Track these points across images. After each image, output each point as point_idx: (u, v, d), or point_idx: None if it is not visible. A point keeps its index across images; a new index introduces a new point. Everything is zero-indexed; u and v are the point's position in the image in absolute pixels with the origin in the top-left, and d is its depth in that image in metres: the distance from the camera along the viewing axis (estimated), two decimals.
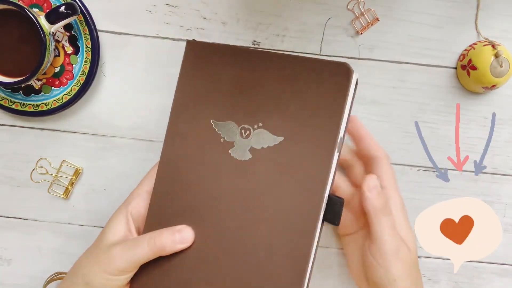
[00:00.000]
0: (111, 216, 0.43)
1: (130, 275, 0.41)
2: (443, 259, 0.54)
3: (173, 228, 0.41)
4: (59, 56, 0.49)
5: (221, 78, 0.42)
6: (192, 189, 0.42)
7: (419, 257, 0.53)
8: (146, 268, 0.42)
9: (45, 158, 0.52)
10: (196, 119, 0.42)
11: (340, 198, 0.40)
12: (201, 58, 0.42)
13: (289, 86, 0.40)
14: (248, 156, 0.41)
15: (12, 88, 0.49)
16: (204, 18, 0.50)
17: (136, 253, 0.40)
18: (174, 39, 0.50)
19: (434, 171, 0.52)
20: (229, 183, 0.41)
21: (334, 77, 0.38)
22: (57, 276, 0.52)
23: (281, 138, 0.40)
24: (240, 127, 0.41)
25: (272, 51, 0.41)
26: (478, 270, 0.54)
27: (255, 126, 0.41)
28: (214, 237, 0.41)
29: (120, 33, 0.50)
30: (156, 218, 0.43)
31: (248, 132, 0.41)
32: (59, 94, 0.49)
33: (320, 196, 0.39)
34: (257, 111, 0.41)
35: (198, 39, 0.50)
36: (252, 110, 0.41)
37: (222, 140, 0.41)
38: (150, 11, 0.50)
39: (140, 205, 0.43)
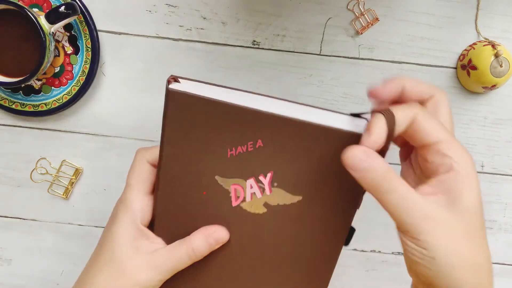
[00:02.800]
0: (115, 232, 0.39)
1: (159, 285, 0.39)
2: None
3: (205, 232, 0.39)
4: (59, 56, 0.49)
5: (218, 134, 0.37)
6: None
7: None
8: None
9: (45, 158, 0.52)
10: (194, 172, 0.39)
11: (353, 228, 0.40)
12: (189, 109, 0.37)
13: (303, 150, 0.37)
14: (263, 210, 0.39)
15: (12, 88, 0.49)
16: (204, 18, 0.50)
17: (173, 261, 0.38)
18: (174, 39, 0.50)
19: None
20: (243, 233, 0.40)
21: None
22: None
23: (299, 197, 0.39)
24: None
25: (282, 113, 0.36)
26: None
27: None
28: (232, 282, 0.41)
29: (120, 33, 0.50)
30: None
31: (261, 189, 0.39)
32: (59, 94, 0.49)
33: (339, 247, 0.40)
34: (269, 172, 0.38)
35: (198, 39, 0.50)
36: (263, 170, 0.38)
37: (230, 195, 0.39)
38: (150, 11, 0.50)
39: (147, 212, 0.40)
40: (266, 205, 0.39)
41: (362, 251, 0.53)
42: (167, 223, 0.40)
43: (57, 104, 0.49)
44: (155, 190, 0.40)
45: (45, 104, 0.49)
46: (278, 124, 0.36)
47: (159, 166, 0.39)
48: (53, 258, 0.53)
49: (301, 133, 0.36)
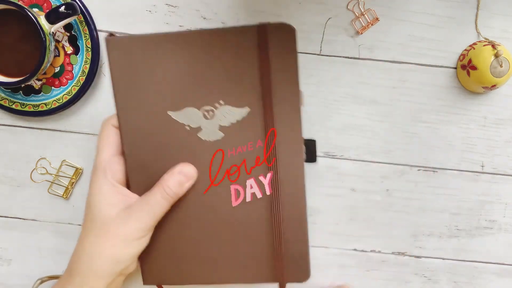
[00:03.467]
0: (91, 192, 0.41)
1: (145, 239, 0.41)
2: (443, 259, 0.54)
3: (173, 170, 0.41)
4: (59, 56, 0.49)
5: (158, 68, 0.41)
6: None
7: (419, 257, 0.53)
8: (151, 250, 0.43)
9: (45, 158, 0.52)
10: (150, 116, 0.41)
11: (313, 139, 0.44)
12: (128, 53, 0.40)
13: (234, 58, 0.40)
14: (220, 134, 0.41)
15: (12, 88, 0.49)
16: (204, 18, 0.50)
17: (151, 207, 0.40)
18: None
19: (434, 171, 0.52)
20: (208, 164, 0.42)
21: (280, 39, 0.40)
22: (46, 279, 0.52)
23: (247, 109, 0.41)
24: (201, 110, 0.41)
25: (197, 29, 0.42)
26: (478, 270, 0.54)
27: (217, 105, 0.41)
28: (203, 213, 0.43)
29: (120, 33, 0.50)
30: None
31: (211, 112, 0.41)
32: (59, 94, 0.49)
33: (300, 147, 0.42)
34: (212, 90, 0.41)
35: None
36: (207, 90, 0.41)
37: (187, 128, 0.41)
38: (150, 11, 0.50)
39: (117, 169, 0.41)
40: (221, 128, 0.41)
41: (362, 251, 0.53)
42: (139, 177, 0.42)
43: (57, 104, 0.49)
44: (122, 147, 0.42)
45: (45, 104, 0.49)
46: (207, 37, 0.40)
47: (119, 121, 0.41)
48: (53, 258, 0.53)
49: (228, 40, 0.40)
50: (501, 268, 0.54)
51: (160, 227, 0.42)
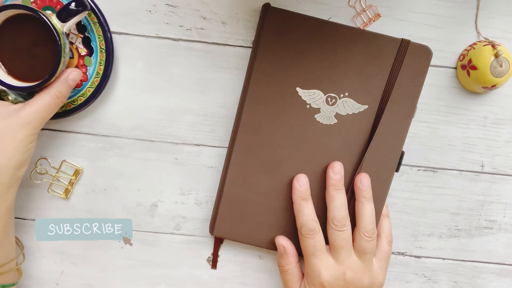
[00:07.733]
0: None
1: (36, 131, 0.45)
2: (443, 259, 0.54)
3: (62, 76, 0.45)
4: (73, 58, 0.48)
5: (302, 47, 0.45)
6: (276, 146, 0.47)
7: (419, 257, 0.54)
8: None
9: (45, 158, 0.52)
10: (279, 86, 0.46)
11: (403, 151, 0.48)
12: (281, 24, 0.45)
13: (372, 61, 0.45)
14: (334, 121, 0.46)
15: (29, 92, 0.48)
16: (204, 18, 0.50)
17: (41, 110, 0.44)
18: (174, 39, 0.50)
19: (434, 171, 0.52)
20: (315, 143, 0.47)
21: (417, 57, 0.46)
22: None
23: (365, 106, 0.46)
24: (326, 95, 0.46)
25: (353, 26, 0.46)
26: (478, 270, 0.54)
27: (341, 95, 0.46)
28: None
29: (120, 33, 0.50)
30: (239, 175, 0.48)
31: (334, 100, 0.46)
32: (74, 96, 0.49)
33: (398, 155, 0.47)
34: (341, 81, 0.46)
35: (198, 39, 0.50)
36: (336, 80, 0.46)
37: (307, 106, 0.46)
38: (150, 11, 0.50)
39: None
40: (337, 115, 0.47)
41: None
42: (246, 138, 0.47)
43: (72, 106, 0.49)
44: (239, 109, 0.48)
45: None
46: (354, 34, 0.45)
47: (250, 81, 0.46)
48: (53, 258, 0.53)
49: (371, 43, 0.45)
50: (501, 268, 0.54)
51: (243, 190, 0.48)
